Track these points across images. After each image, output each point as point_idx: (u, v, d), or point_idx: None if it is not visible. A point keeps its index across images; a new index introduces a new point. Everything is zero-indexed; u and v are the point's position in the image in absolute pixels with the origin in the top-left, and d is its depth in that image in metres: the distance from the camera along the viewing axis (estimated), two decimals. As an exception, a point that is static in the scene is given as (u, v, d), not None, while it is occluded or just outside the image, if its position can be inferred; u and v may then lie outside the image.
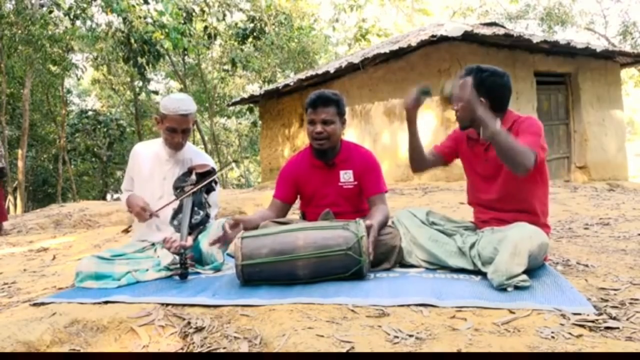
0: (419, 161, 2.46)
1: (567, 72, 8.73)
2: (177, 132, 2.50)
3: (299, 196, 2.67)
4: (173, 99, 2.50)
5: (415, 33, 9.43)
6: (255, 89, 18.04)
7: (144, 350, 1.61)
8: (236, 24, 17.53)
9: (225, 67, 18.55)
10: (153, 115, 2.75)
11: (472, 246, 2.18)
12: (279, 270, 2.04)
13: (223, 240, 2.27)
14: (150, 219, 2.48)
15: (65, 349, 1.64)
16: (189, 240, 2.30)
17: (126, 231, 4.32)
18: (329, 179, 2.54)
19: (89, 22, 14.26)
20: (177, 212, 2.41)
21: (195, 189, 2.42)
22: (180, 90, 19.08)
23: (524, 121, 2.21)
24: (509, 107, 2.30)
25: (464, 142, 2.40)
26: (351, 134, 8.74)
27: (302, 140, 10.30)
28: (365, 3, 20.76)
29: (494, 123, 2.00)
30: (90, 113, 20.71)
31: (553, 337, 1.42)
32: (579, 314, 1.59)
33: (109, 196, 21.19)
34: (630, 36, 18.15)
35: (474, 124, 2.27)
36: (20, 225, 5.97)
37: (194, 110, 2.51)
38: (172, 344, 1.62)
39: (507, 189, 2.23)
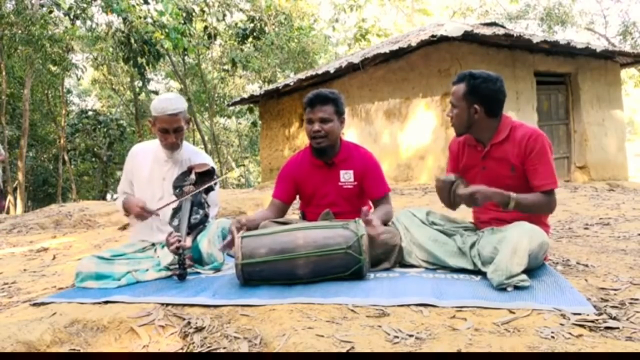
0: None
1: (567, 72, 8.73)
2: (169, 132, 2.48)
3: (298, 196, 2.67)
4: (160, 99, 2.49)
5: (415, 33, 9.43)
6: (255, 89, 18.03)
7: (144, 350, 1.61)
8: (236, 24, 17.53)
9: (225, 67, 18.54)
10: (149, 117, 2.75)
11: (472, 246, 2.18)
12: (279, 269, 2.04)
13: (231, 245, 2.22)
14: (150, 216, 2.47)
15: (65, 349, 1.64)
16: (188, 241, 2.29)
17: (124, 228, 4.32)
18: (329, 179, 2.54)
19: (89, 22, 14.26)
20: (176, 212, 2.41)
21: (195, 191, 2.41)
22: (180, 90, 19.08)
23: (534, 142, 2.16)
24: (507, 108, 2.29)
25: (463, 149, 2.40)
26: (351, 134, 8.73)
27: (302, 140, 10.29)
28: (365, 3, 20.77)
29: (508, 197, 2.06)
30: (90, 113, 20.70)
31: (553, 337, 1.42)
32: (579, 314, 1.59)
33: (109, 196, 21.18)
34: (630, 36, 18.15)
35: (470, 132, 2.27)
36: (20, 225, 5.96)
37: (182, 108, 2.49)
38: (172, 344, 1.62)
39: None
